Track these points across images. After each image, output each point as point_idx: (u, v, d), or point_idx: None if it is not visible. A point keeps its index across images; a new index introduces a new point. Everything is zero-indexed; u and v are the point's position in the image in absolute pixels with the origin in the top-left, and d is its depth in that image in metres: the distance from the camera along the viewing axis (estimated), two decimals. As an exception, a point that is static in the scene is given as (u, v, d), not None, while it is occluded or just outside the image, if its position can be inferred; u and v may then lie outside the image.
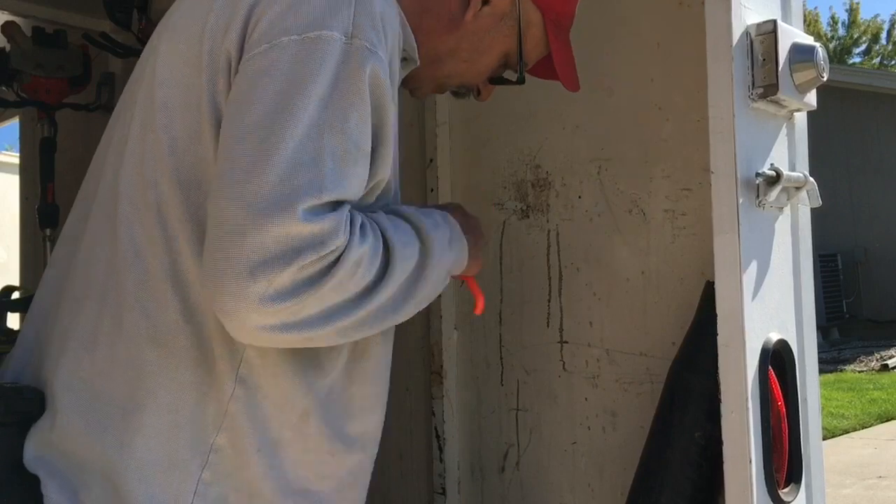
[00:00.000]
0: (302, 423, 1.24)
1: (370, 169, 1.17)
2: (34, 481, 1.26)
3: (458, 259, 1.33)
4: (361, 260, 1.12)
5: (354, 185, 1.13)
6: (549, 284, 1.92)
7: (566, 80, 1.50)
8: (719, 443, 1.41)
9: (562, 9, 1.48)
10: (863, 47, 30.03)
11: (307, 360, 1.24)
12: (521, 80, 1.47)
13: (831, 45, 28.86)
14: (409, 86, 1.47)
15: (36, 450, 1.23)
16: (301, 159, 1.07)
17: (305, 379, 1.24)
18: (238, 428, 1.20)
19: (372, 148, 1.16)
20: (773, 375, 1.44)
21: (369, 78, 1.13)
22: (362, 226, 1.15)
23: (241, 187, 1.07)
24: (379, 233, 1.17)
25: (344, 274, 1.10)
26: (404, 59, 1.32)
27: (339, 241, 1.09)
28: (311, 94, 1.09)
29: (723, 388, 1.40)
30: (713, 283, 1.42)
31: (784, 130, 1.55)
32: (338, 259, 1.09)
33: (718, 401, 1.40)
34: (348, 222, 1.11)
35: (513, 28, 1.44)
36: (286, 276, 1.05)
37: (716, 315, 1.41)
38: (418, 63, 1.36)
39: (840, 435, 7.47)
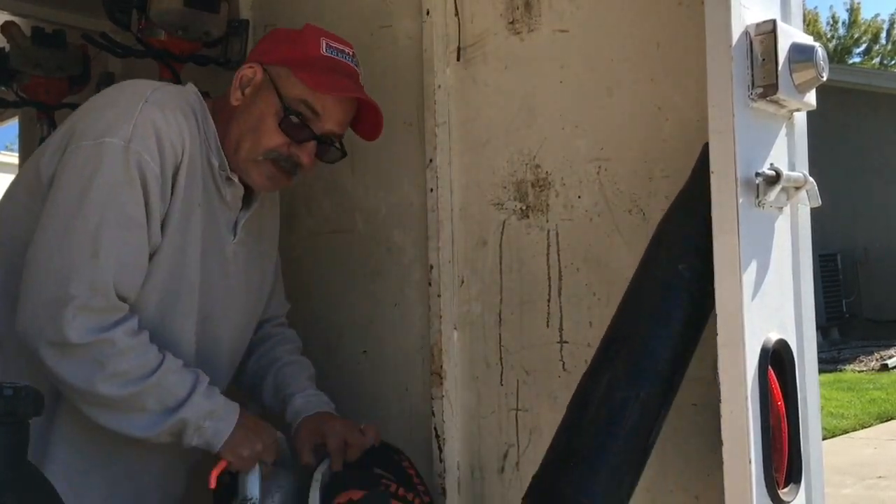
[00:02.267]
0: None
1: (151, 234, 1.67)
2: (35, 480, 1.26)
3: (204, 415, 1.68)
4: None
5: (131, 251, 1.65)
6: (549, 284, 1.92)
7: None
8: (705, 279, 1.41)
9: (301, 56, 1.80)
10: (863, 47, 30.02)
11: None
12: (288, 112, 1.77)
13: (831, 45, 28.84)
14: (244, 179, 1.83)
15: None
16: (88, 231, 1.59)
17: None
18: None
19: (148, 219, 1.66)
20: (773, 375, 1.44)
21: (138, 170, 1.63)
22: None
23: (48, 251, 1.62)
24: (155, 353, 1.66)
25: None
26: (225, 175, 1.79)
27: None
28: (98, 183, 1.61)
29: (722, 388, 1.40)
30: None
31: (783, 130, 1.55)
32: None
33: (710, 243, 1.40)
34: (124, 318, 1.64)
35: (271, 89, 1.78)
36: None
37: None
38: (227, 160, 1.79)
39: (840, 435, 7.47)
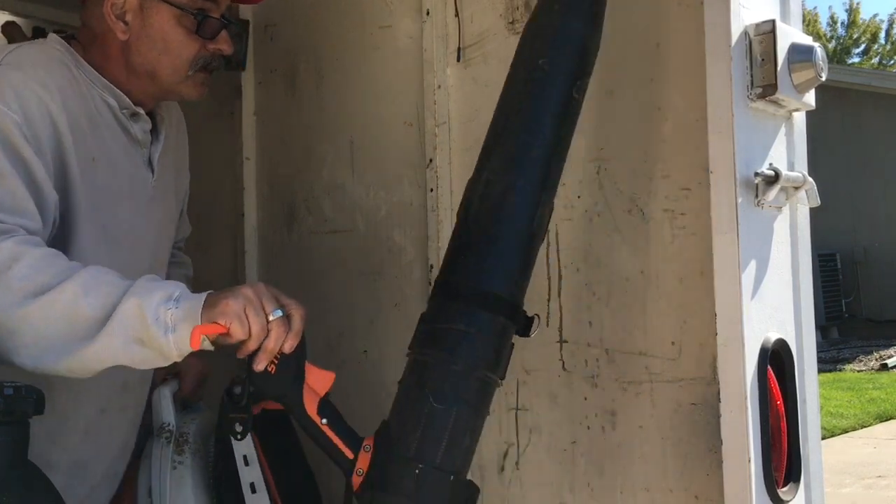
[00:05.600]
0: None
1: (29, 188, 1.50)
2: (35, 479, 1.26)
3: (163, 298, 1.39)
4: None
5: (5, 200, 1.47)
6: (549, 284, 1.92)
7: None
8: (567, 71, 1.49)
9: None
10: (862, 47, 30.03)
11: None
12: (196, 16, 1.66)
13: (830, 46, 28.84)
14: (174, 98, 1.80)
15: None
16: None
17: None
18: None
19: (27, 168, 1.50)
20: (773, 375, 1.45)
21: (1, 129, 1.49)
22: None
23: None
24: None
25: None
26: (130, 112, 1.69)
27: None
28: None
29: (722, 387, 1.40)
30: None
31: (783, 130, 1.55)
32: None
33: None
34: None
35: (154, 3, 1.66)
36: None
37: None
38: (132, 103, 1.68)
39: (839, 434, 7.47)
